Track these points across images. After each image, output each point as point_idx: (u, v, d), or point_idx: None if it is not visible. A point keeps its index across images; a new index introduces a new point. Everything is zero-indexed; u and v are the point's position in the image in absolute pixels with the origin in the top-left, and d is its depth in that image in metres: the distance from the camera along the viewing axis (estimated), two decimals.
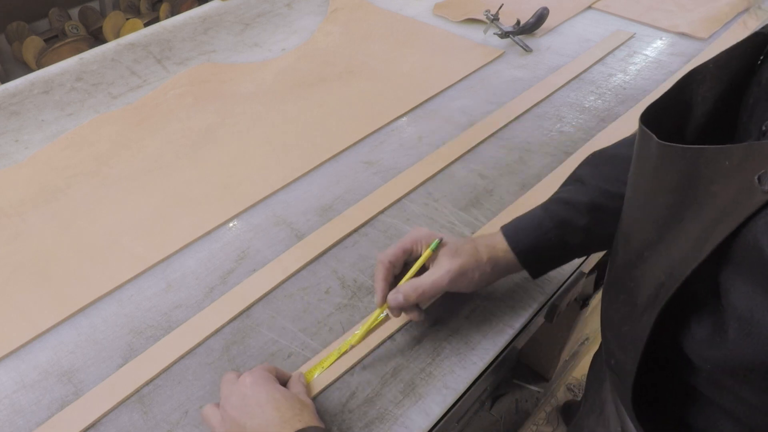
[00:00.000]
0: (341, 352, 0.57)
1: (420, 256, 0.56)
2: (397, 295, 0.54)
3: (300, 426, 0.46)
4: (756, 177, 0.29)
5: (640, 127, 0.39)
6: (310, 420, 0.47)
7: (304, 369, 0.57)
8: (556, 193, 0.59)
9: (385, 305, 0.56)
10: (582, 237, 0.56)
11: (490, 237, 0.58)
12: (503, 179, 0.78)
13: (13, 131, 0.94)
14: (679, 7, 1.16)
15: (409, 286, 0.54)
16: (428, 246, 0.56)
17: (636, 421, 0.44)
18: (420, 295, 0.54)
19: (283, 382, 0.54)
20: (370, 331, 0.59)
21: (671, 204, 0.36)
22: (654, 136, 0.36)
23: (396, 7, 1.22)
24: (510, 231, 0.57)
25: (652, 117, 0.39)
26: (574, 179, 0.59)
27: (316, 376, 0.56)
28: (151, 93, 0.99)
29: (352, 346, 0.57)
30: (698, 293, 0.36)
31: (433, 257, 0.56)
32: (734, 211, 0.31)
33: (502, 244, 0.56)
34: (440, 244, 0.56)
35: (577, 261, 0.66)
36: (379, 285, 0.56)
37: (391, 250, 0.56)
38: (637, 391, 0.42)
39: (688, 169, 0.34)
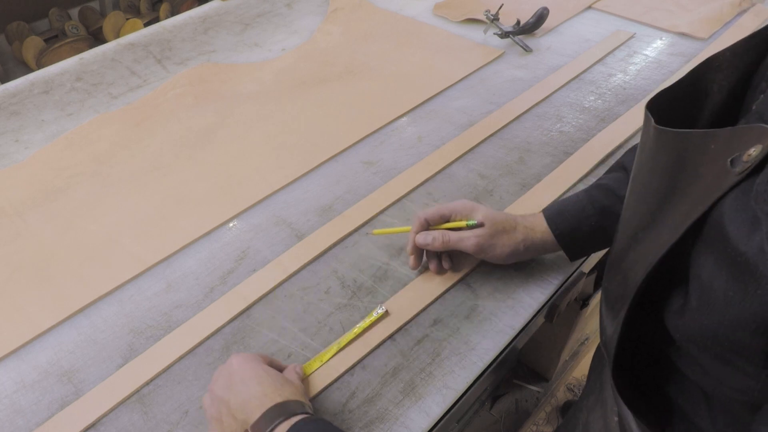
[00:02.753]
0: (341, 347, 0.58)
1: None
2: (426, 236, 0.61)
3: (280, 399, 0.46)
4: (729, 160, 0.30)
5: (645, 112, 0.39)
6: (292, 395, 0.48)
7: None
8: (600, 179, 0.61)
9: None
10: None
11: (531, 218, 0.61)
12: (503, 179, 0.78)
13: (13, 131, 0.94)
14: (679, 7, 1.16)
15: (438, 232, 0.60)
16: (465, 219, 0.61)
17: (617, 395, 0.44)
18: (444, 243, 0.60)
19: (279, 370, 0.54)
20: (367, 329, 0.59)
21: (663, 187, 0.37)
22: (653, 120, 0.37)
23: (396, 7, 1.23)
24: (551, 213, 0.60)
25: (663, 104, 0.39)
26: (618, 166, 0.61)
27: (315, 370, 0.56)
28: (151, 93, 0.99)
29: (350, 342, 0.58)
30: (678, 267, 0.37)
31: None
32: (711, 193, 0.32)
33: (541, 226, 0.60)
34: (477, 225, 0.60)
35: (576, 261, 0.66)
36: (412, 236, 0.62)
37: (431, 211, 0.62)
38: (619, 364, 0.44)
39: (679, 153, 0.35)
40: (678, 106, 0.40)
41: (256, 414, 0.46)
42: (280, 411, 0.46)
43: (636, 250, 0.41)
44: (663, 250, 0.35)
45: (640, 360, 0.46)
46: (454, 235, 0.60)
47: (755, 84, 0.40)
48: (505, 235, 0.59)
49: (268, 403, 0.46)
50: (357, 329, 0.59)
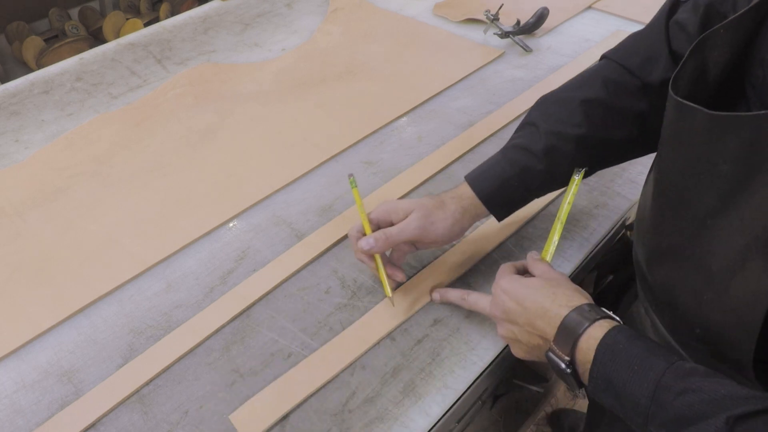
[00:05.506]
0: (563, 223, 0.58)
1: (392, 224, 0.60)
2: (368, 240, 0.58)
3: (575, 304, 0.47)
4: None
5: (676, 100, 0.39)
6: (579, 299, 0.48)
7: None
8: (513, 138, 0.62)
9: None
10: (541, 180, 0.60)
11: (455, 189, 0.62)
12: None
13: (13, 131, 0.94)
14: None
15: (378, 232, 0.59)
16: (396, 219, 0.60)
17: (755, 380, 0.44)
18: (387, 239, 0.58)
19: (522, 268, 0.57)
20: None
21: (734, 172, 0.37)
22: (702, 108, 0.37)
23: (396, 7, 1.23)
24: (474, 179, 0.61)
25: (681, 88, 0.40)
26: (527, 123, 0.62)
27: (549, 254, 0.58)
28: (151, 93, 0.99)
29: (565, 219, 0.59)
30: None
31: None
32: None
33: (467, 192, 0.60)
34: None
35: (577, 260, 0.66)
36: (354, 245, 0.61)
37: (356, 227, 0.61)
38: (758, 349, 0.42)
39: (751, 137, 0.35)
40: (681, 86, 0.41)
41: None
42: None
43: (709, 236, 0.41)
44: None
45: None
46: (393, 230, 0.58)
47: (758, 57, 0.40)
48: (439, 211, 0.59)
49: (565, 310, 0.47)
50: (566, 208, 0.59)
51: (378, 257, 0.60)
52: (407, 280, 0.65)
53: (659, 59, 0.56)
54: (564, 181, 0.61)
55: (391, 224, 0.60)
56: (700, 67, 0.42)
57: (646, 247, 0.53)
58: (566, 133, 0.58)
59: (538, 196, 0.62)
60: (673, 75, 0.42)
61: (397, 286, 0.64)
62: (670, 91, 0.41)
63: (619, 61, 0.60)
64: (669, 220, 0.47)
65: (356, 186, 0.64)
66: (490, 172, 0.60)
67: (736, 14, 0.39)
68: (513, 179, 0.59)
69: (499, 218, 0.62)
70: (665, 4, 0.56)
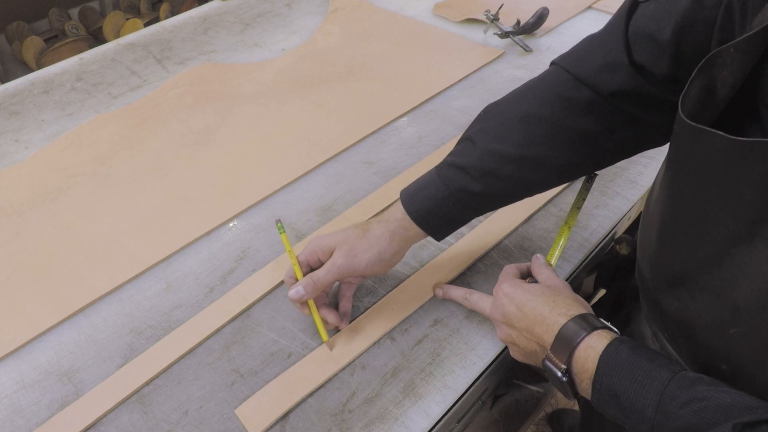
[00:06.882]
0: (570, 228, 0.59)
1: (321, 263, 0.58)
2: (297, 289, 0.56)
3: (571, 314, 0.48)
4: None
5: (689, 125, 0.38)
6: (577, 309, 0.48)
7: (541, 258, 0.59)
8: (451, 154, 0.58)
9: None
10: (478, 201, 0.56)
11: (386, 212, 0.59)
12: None
13: (13, 131, 0.94)
14: None
15: (305, 279, 0.56)
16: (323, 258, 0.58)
17: None
18: (315, 284, 0.56)
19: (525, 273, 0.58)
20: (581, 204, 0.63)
21: (758, 199, 0.35)
22: (721, 133, 0.35)
23: (396, 7, 1.23)
24: (407, 199, 0.57)
25: (690, 109, 0.38)
26: (465, 138, 0.58)
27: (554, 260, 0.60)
28: (151, 93, 0.99)
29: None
30: None
31: None
32: None
33: (396, 214, 0.57)
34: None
35: (576, 261, 0.66)
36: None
37: (290, 272, 0.59)
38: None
39: None
40: (687, 106, 0.40)
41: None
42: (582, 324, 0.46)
43: (733, 266, 0.39)
44: None
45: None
46: (319, 273, 0.56)
47: None
48: (362, 241, 0.56)
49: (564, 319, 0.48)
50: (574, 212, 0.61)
51: (311, 302, 0.58)
52: (405, 280, 0.65)
53: (616, 68, 0.51)
54: (501, 203, 0.58)
55: (321, 264, 0.58)
56: (707, 86, 0.39)
57: (654, 270, 0.50)
58: (504, 153, 0.53)
59: (482, 213, 0.60)
60: (681, 96, 0.39)
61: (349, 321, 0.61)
62: (681, 115, 0.39)
63: (569, 69, 0.55)
64: (683, 245, 0.44)
65: (284, 231, 0.62)
66: (424, 192, 0.56)
67: (748, 34, 0.37)
68: (448, 199, 0.55)
69: (438, 238, 0.59)
70: (623, 5, 0.51)
